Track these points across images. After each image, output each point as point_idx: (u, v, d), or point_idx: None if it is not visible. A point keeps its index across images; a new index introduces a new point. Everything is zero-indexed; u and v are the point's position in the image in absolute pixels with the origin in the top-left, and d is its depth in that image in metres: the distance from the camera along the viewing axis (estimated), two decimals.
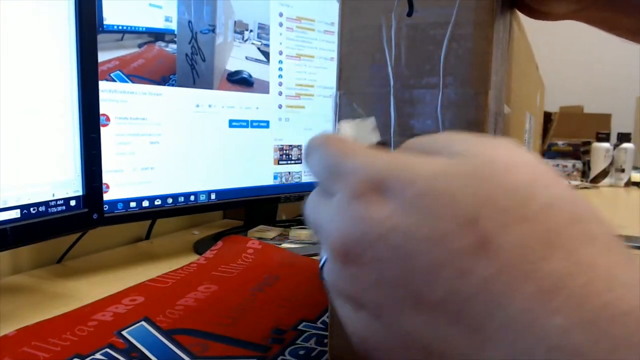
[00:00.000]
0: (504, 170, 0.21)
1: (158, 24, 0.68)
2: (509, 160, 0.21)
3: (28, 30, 0.48)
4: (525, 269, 0.18)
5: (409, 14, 0.35)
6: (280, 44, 0.83)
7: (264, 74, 0.81)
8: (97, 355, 0.41)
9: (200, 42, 0.73)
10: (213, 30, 0.74)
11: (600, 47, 3.84)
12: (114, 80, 0.64)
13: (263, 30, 0.81)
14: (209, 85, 0.74)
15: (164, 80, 0.69)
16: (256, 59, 0.80)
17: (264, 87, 0.81)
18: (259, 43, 0.80)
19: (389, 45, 0.36)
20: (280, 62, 0.84)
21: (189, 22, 0.71)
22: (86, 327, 0.46)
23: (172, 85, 0.70)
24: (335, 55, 0.91)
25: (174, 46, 0.70)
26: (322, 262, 0.25)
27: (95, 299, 0.54)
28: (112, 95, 0.64)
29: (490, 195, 0.20)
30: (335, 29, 0.91)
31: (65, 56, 0.52)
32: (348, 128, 0.33)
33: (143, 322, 0.47)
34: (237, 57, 0.78)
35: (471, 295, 0.19)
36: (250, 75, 0.80)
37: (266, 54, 0.82)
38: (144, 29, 0.67)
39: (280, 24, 0.83)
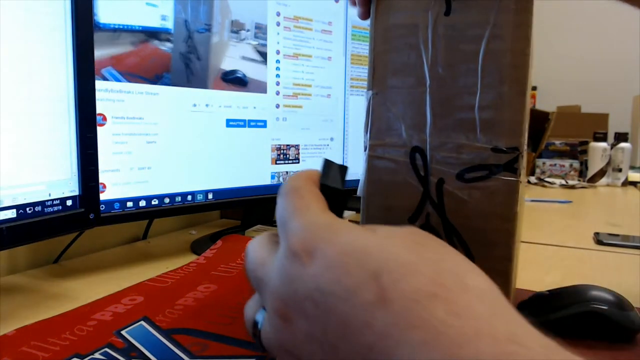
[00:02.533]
0: (407, 232, 0.25)
1: (154, 22, 0.68)
2: (410, 229, 0.26)
3: (24, 29, 0.48)
4: (412, 320, 0.21)
5: (447, 14, 0.35)
6: (278, 43, 0.83)
7: (259, 73, 0.81)
8: (97, 355, 0.40)
9: (196, 41, 0.72)
10: (209, 30, 0.74)
11: (598, 47, 3.86)
12: (106, 78, 0.63)
13: (260, 30, 0.80)
14: (203, 85, 0.74)
15: (157, 79, 0.68)
16: (252, 59, 0.80)
17: (259, 87, 0.81)
18: (256, 43, 0.80)
19: (425, 44, 0.35)
20: (278, 61, 0.83)
21: (185, 21, 0.71)
22: (85, 326, 0.46)
23: (167, 83, 0.69)
24: (332, 54, 0.92)
25: (169, 45, 0.69)
26: (259, 323, 0.27)
27: (92, 299, 0.53)
28: (108, 94, 0.64)
29: (394, 252, 0.23)
30: (332, 28, 0.91)
31: (61, 55, 0.52)
32: None
33: (142, 322, 0.47)
34: (233, 56, 0.77)
35: (373, 346, 0.21)
36: (244, 75, 0.79)
37: (263, 54, 0.81)
38: (140, 27, 0.66)
39: (278, 24, 0.83)
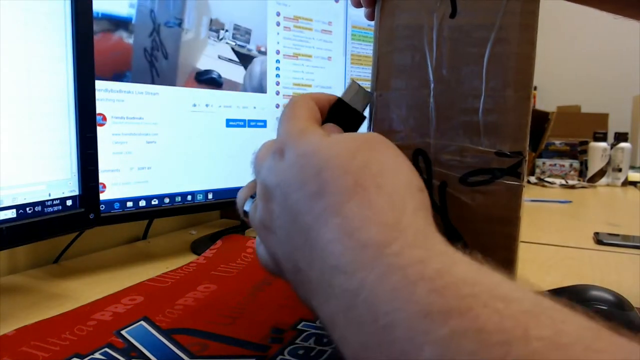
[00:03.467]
0: (359, 138, 0.31)
1: (121, 10, 0.60)
2: (368, 135, 0.32)
3: (24, 29, 0.48)
4: (336, 210, 0.27)
5: (452, 16, 0.35)
6: (278, 43, 0.83)
7: (235, 74, 0.78)
8: (96, 355, 0.40)
9: (162, 36, 0.66)
10: (180, 25, 0.69)
11: (598, 47, 3.86)
12: None
13: (238, 31, 0.78)
14: (170, 84, 0.70)
15: (117, 77, 0.63)
16: (229, 59, 0.77)
17: (234, 88, 0.78)
18: (233, 43, 0.77)
19: (430, 46, 0.35)
20: (278, 61, 0.83)
21: (151, 11, 0.64)
22: (85, 326, 0.46)
23: (128, 81, 0.64)
24: (332, 54, 0.92)
25: (130, 37, 0.63)
26: (247, 206, 0.36)
27: (92, 299, 0.53)
28: (108, 94, 0.64)
29: (335, 154, 0.29)
30: (332, 28, 0.91)
31: (61, 55, 0.52)
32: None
33: (142, 322, 0.47)
34: (210, 55, 0.74)
35: (311, 226, 0.28)
36: (219, 76, 0.76)
37: (240, 55, 0.78)
38: (100, 14, 0.58)
39: (278, 24, 0.83)
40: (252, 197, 0.35)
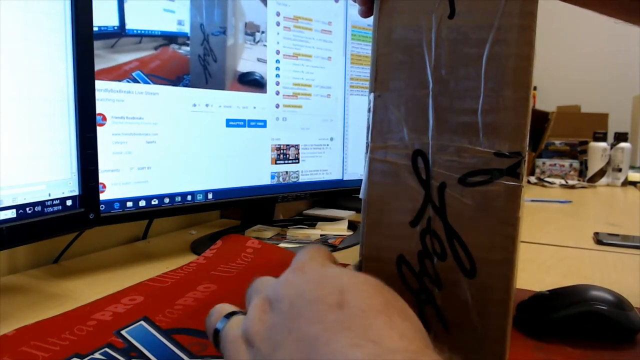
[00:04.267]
0: (368, 278, 0.31)
1: (171, 27, 0.70)
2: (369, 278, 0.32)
3: (24, 29, 0.48)
4: (354, 323, 0.27)
5: (451, 17, 0.35)
6: (278, 43, 0.83)
7: None
8: (96, 355, 0.40)
9: (212, 44, 0.74)
10: (224, 32, 0.75)
11: (598, 47, 3.86)
12: (136, 80, 0.66)
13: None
14: (220, 86, 0.76)
15: (178, 80, 0.71)
16: (266, 61, 0.81)
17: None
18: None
19: (429, 47, 0.35)
20: (278, 61, 0.83)
21: (201, 24, 0.73)
22: (85, 326, 0.46)
23: (186, 85, 0.72)
24: (332, 54, 0.92)
25: (187, 48, 0.71)
26: (221, 324, 0.34)
27: (92, 299, 0.53)
28: (108, 94, 0.64)
29: (358, 282, 0.30)
30: (332, 28, 0.91)
31: (61, 56, 0.52)
32: None
33: (142, 322, 0.47)
34: (249, 58, 0.79)
35: (318, 335, 0.27)
36: (262, 77, 0.81)
37: None
38: (159, 32, 0.69)
39: (278, 23, 0.83)
40: (225, 318, 0.34)
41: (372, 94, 0.37)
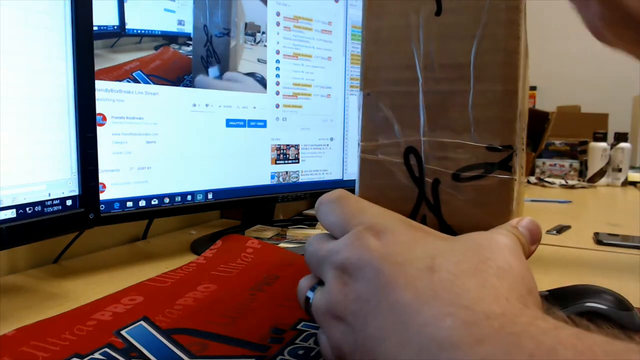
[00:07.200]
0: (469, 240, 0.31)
1: (172, 27, 0.70)
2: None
3: (23, 29, 0.48)
4: (451, 284, 0.26)
5: (437, 14, 0.35)
6: (278, 43, 0.83)
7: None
8: (96, 355, 0.40)
9: (215, 45, 0.74)
10: (228, 34, 0.76)
11: (598, 47, 3.85)
12: (137, 80, 0.66)
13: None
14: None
15: (179, 80, 0.71)
16: (265, 61, 0.81)
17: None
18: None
19: (417, 44, 0.35)
20: (278, 61, 0.83)
21: (205, 26, 0.73)
22: (85, 326, 0.46)
23: (187, 85, 0.72)
24: (332, 54, 0.92)
25: (187, 48, 0.72)
26: (311, 298, 0.33)
27: (91, 299, 0.53)
28: (108, 94, 0.64)
29: (451, 248, 0.29)
30: (332, 28, 0.91)
31: (61, 55, 0.52)
32: None
33: (142, 322, 0.47)
34: (249, 59, 0.79)
35: (410, 303, 0.26)
36: (263, 78, 0.81)
37: None
38: (160, 32, 0.69)
39: (278, 23, 0.83)
40: (313, 288, 0.34)
41: (361, 92, 0.37)
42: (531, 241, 0.34)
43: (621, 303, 0.46)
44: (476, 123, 0.34)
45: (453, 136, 0.35)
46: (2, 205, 0.46)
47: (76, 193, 0.54)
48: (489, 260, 0.28)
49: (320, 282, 0.33)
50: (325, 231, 0.36)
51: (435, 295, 0.25)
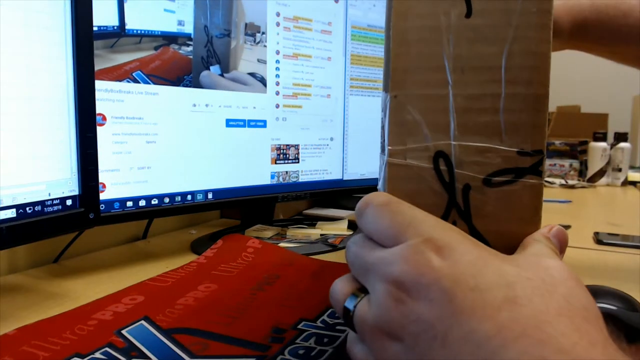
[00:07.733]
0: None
1: (172, 27, 0.70)
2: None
3: (24, 29, 0.48)
4: (540, 322, 0.24)
5: (467, 16, 0.34)
6: (277, 43, 0.83)
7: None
8: (97, 355, 0.40)
9: (215, 46, 0.75)
10: (228, 35, 0.76)
11: None
12: (137, 80, 0.66)
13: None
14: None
15: (179, 81, 0.71)
16: (265, 62, 0.82)
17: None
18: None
19: (447, 47, 0.34)
20: (277, 61, 0.83)
21: (205, 26, 0.73)
22: (86, 326, 0.46)
23: (187, 85, 0.72)
24: (332, 54, 0.92)
25: (187, 48, 0.72)
26: (351, 308, 0.30)
27: (92, 298, 0.53)
28: (108, 94, 0.64)
29: (527, 276, 0.27)
30: (332, 28, 0.91)
31: (61, 55, 0.52)
32: None
33: (143, 321, 0.47)
34: (249, 59, 0.79)
35: (492, 336, 0.24)
36: (262, 78, 0.81)
37: None
38: (159, 32, 0.69)
39: (277, 24, 0.83)
40: (355, 294, 0.31)
41: (387, 95, 0.36)
42: (560, 251, 0.33)
43: (631, 303, 0.46)
44: (507, 127, 0.34)
45: (483, 140, 0.34)
46: (2, 205, 0.46)
47: (76, 193, 0.54)
48: (573, 296, 0.26)
49: (362, 289, 0.32)
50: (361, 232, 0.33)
51: (524, 333, 0.24)
